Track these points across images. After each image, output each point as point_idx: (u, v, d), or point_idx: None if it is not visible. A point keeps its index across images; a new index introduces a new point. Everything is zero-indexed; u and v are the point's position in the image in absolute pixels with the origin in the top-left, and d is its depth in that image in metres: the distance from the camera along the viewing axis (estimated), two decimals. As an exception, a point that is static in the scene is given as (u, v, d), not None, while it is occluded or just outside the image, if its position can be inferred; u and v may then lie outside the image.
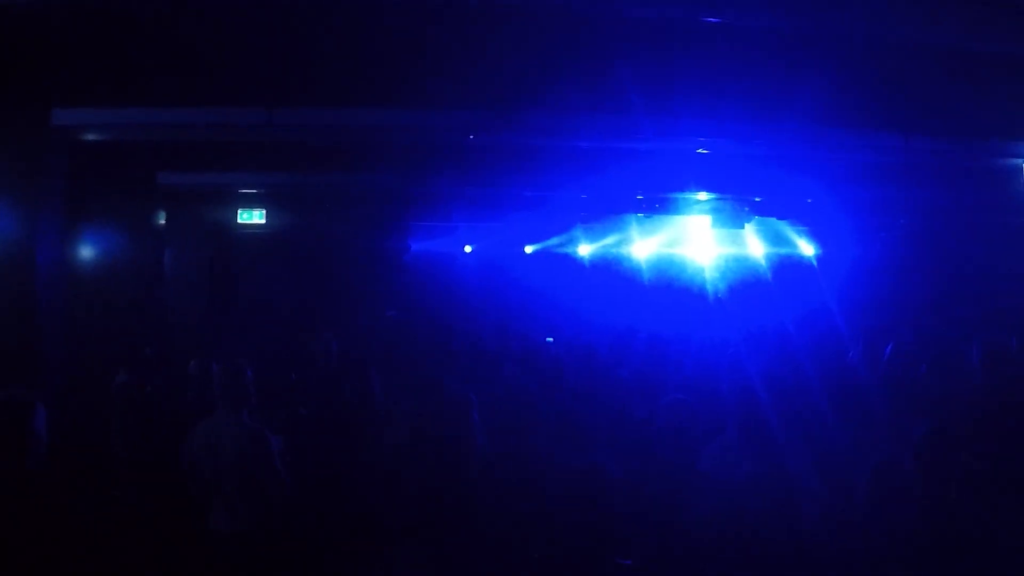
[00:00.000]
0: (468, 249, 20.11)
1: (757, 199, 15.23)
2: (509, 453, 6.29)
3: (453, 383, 7.40)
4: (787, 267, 18.55)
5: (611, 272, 19.93)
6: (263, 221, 16.11)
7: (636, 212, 16.27)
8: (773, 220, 16.61)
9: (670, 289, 18.67)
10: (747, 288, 17.89)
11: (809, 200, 15.57)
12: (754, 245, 18.52)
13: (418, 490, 5.94)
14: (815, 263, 18.52)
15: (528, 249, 20.44)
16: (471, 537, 5.32)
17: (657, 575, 4.86)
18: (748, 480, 5.29)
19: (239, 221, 16.03)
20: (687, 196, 15.12)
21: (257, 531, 6.30)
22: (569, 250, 20.48)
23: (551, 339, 12.85)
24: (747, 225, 16.04)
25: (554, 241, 20.16)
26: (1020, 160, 11.12)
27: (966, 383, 7.56)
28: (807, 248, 18.63)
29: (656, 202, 15.62)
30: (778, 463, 5.55)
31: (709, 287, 18.50)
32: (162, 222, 13.70)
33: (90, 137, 9.89)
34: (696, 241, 18.72)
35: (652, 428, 6.36)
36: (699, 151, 11.06)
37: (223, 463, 6.29)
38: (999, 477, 5.09)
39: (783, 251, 18.79)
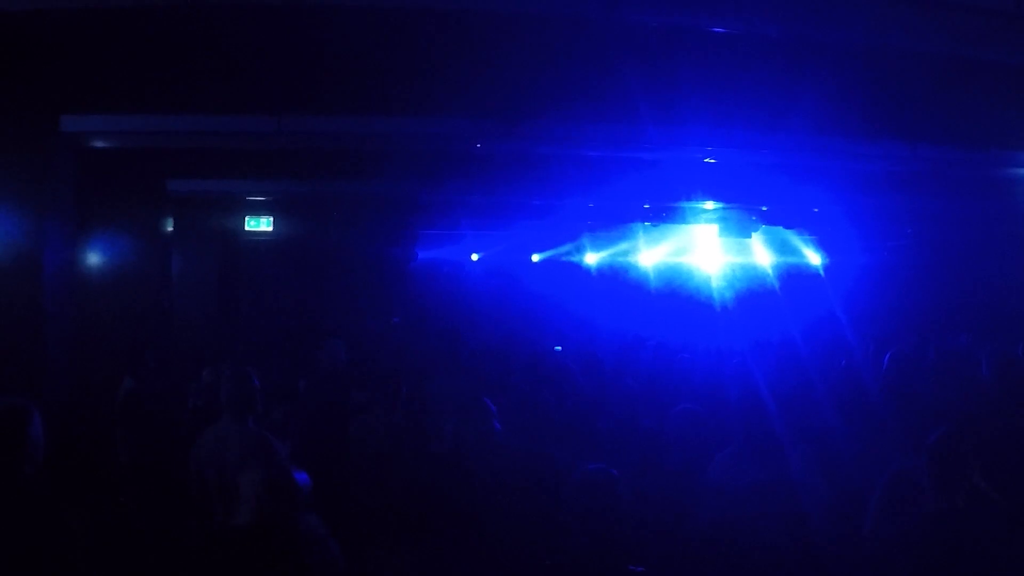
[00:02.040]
0: (475, 257, 20.11)
1: (764, 208, 15.24)
2: (519, 460, 6.29)
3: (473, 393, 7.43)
4: (794, 276, 18.53)
5: (618, 281, 19.92)
6: (271, 228, 16.13)
7: (643, 221, 16.28)
8: (780, 229, 16.60)
9: (677, 298, 18.65)
10: (754, 297, 17.87)
11: (816, 209, 15.57)
12: (761, 254, 18.52)
13: (428, 495, 5.95)
14: (822, 272, 18.50)
15: (535, 257, 20.44)
16: (481, 543, 5.32)
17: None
18: (756, 489, 5.28)
19: (247, 228, 16.05)
20: (694, 205, 15.13)
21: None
22: (576, 259, 20.48)
23: (559, 348, 12.84)
24: (754, 234, 16.05)
25: (561, 250, 20.16)
26: (1026, 170, 11.13)
27: (973, 391, 7.54)
28: (814, 257, 18.62)
29: (663, 211, 15.63)
30: (785, 473, 5.55)
31: (716, 296, 18.48)
32: (170, 229, 13.72)
33: (98, 144, 9.92)
34: (703, 250, 18.73)
35: (661, 437, 6.36)
36: (706, 160, 11.07)
37: (228, 470, 6.28)
38: (1007, 487, 5.07)
39: (790, 260, 18.78)
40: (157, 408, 8.58)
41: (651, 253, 19.47)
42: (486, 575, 5.22)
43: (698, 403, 6.40)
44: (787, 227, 16.40)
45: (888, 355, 8.22)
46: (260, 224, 16.10)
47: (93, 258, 11.69)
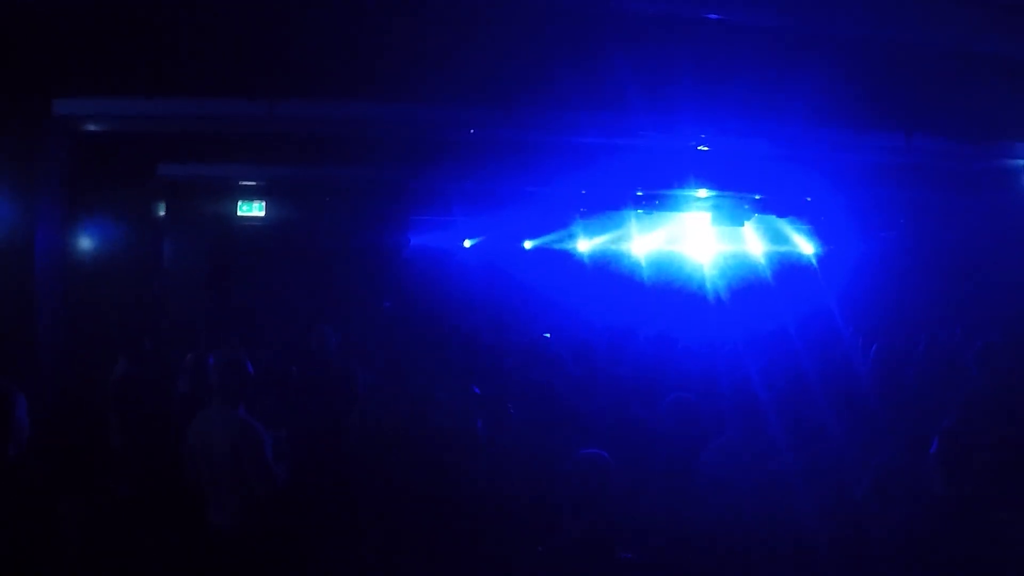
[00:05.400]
0: (467, 243, 20.08)
1: (757, 197, 15.24)
2: (509, 447, 6.30)
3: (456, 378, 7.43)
4: (787, 265, 18.54)
5: (610, 269, 19.91)
6: (263, 213, 16.10)
7: (636, 208, 16.28)
8: (773, 218, 16.61)
9: (669, 286, 18.66)
10: (746, 286, 17.88)
11: (809, 198, 15.58)
12: (754, 243, 18.52)
13: (416, 481, 5.96)
14: (815, 262, 18.51)
15: (527, 244, 20.42)
16: (472, 529, 5.34)
17: (657, 572, 4.86)
18: (748, 479, 5.30)
19: (239, 213, 16.02)
20: (687, 193, 15.14)
21: (249, 525, 6.28)
22: (568, 246, 20.45)
23: (548, 335, 12.84)
24: (747, 223, 16.05)
25: (553, 237, 20.13)
26: (1021, 161, 11.13)
27: (964, 383, 7.56)
28: (807, 247, 18.63)
29: (656, 199, 15.63)
30: (777, 461, 5.56)
31: (708, 285, 18.49)
32: (162, 213, 13.70)
33: (91, 127, 9.90)
34: (696, 238, 18.72)
35: (653, 426, 6.36)
36: (699, 148, 11.06)
37: (216, 456, 6.28)
38: (1003, 477, 5.09)
39: (783, 249, 18.78)
40: (150, 392, 8.57)
41: (643, 241, 19.46)
42: (478, 560, 5.24)
43: (691, 392, 6.40)
44: (780, 216, 16.42)
45: (875, 347, 8.25)
46: (252, 209, 16.07)
47: (84, 242, 11.67)
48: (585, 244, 20.26)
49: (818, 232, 18.21)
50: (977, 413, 6.67)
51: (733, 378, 6.29)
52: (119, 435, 8.57)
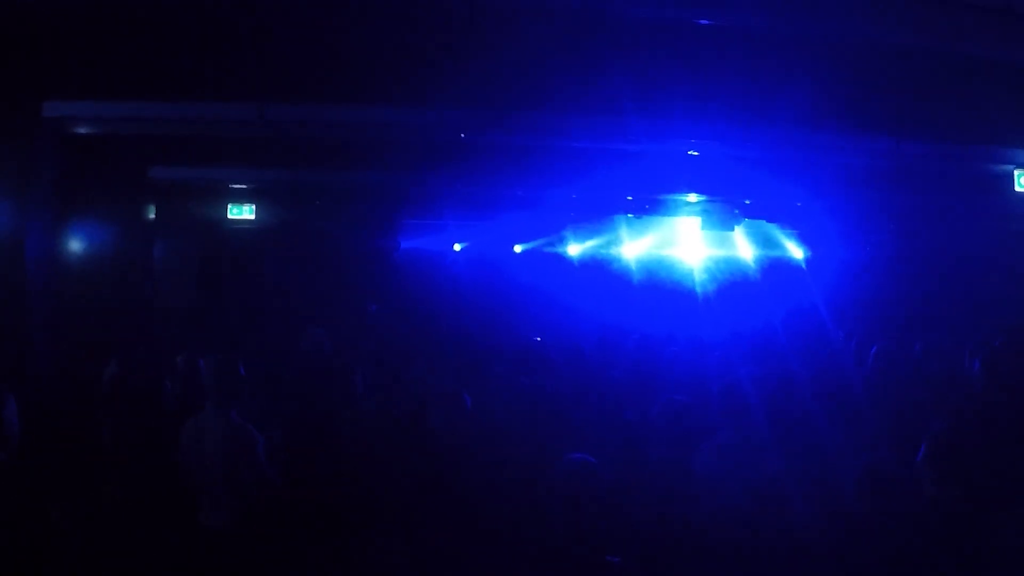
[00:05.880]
0: (458, 247, 20.10)
1: (747, 201, 15.28)
2: (498, 451, 6.30)
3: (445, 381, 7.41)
4: (776, 269, 18.58)
5: (601, 272, 19.94)
6: (253, 217, 16.08)
7: (626, 213, 16.32)
8: (763, 222, 16.65)
9: (660, 290, 18.68)
10: (736, 290, 17.91)
11: (799, 203, 15.61)
12: (743, 247, 18.56)
13: (405, 486, 5.95)
14: (804, 266, 18.55)
15: (518, 248, 20.43)
16: (460, 534, 5.33)
17: (648, 574, 4.87)
18: (740, 480, 5.31)
19: (229, 216, 15.99)
20: (677, 197, 15.17)
21: (243, 528, 6.27)
22: (559, 250, 20.48)
23: (539, 338, 12.84)
24: (737, 227, 16.09)
25: (544, 240, 20.16)
26: (1010, 166, 11.17)
27: (957, 386, 7.59)
28: (796, 251, 18.67)
29: (646, 203, 15.67)
30: (768, 464, 5.58)
31: (699, 288, 18.52)
32: (152, 216, 13.67)
33: (81, 130, 9.88)
34: (686, 242, 18.76)
35: (645, 428, 6.37)
36: (690, 153, 11.08)
37: (209, 459, 6.27)
38: (999, 480, 5.11)
39: (772, 253, 18.83)
40: (141, 394, 8.56)
41: (634, 245, 19.50)
42: (465, 562, 5.24)
43: (683, 395, 6.42)
44: (769, 221, 16.46)
45: (874, 349, 8.27)
46: (243, 212, 16.04)
47: (75, 245, 11.64)
48: (576, 248, 20.29)
49: (807, 236, 18.26)
50: (971, 416, 6.70)
51: (724, 380, 6.31)
52: (111, 437, 8.56)
